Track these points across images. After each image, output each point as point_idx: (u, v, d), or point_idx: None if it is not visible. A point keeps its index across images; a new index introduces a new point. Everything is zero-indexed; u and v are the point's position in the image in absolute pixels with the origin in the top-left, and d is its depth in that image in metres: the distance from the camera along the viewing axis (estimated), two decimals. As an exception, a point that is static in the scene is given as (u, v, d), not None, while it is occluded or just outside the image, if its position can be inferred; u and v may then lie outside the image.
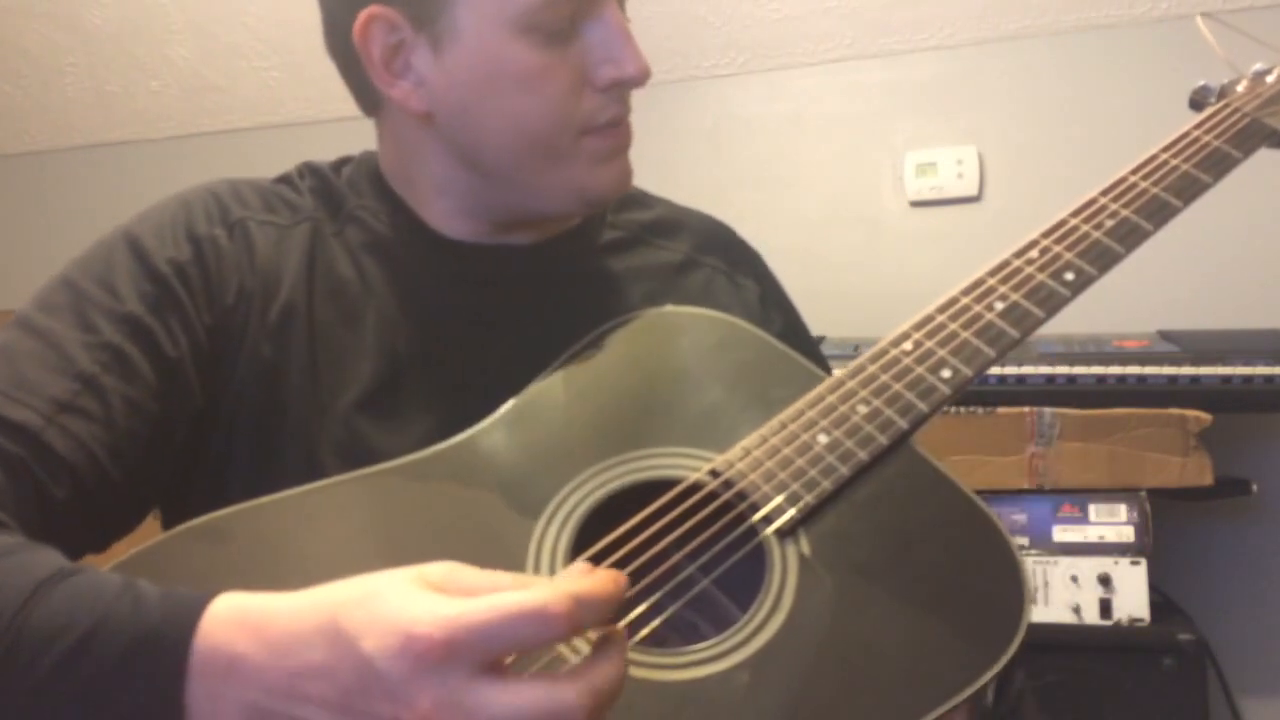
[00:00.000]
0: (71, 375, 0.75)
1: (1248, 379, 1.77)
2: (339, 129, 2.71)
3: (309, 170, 0.94)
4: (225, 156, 2.70)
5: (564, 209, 0.90)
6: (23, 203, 2.88)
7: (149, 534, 0.73)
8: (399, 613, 0.53)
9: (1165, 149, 0.88)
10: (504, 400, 0.82)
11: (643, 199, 1.01)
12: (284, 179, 0.93)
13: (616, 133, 0.87)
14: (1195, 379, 1.78)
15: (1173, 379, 1.77)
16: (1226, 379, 1.77)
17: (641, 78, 0.84)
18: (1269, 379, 1.76)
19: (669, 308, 0.90)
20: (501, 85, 0.83)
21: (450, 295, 0.89)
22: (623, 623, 0.67)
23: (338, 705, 0.53)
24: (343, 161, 0.95)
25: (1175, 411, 1.73)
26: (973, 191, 2.25)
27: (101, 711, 0.56)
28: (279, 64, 2.65)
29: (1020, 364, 1.66)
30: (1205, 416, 1.75)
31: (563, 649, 0.62)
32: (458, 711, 0.52)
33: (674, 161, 2.38)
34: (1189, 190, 0.84)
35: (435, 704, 0.52)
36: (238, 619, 0.57)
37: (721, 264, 0.98)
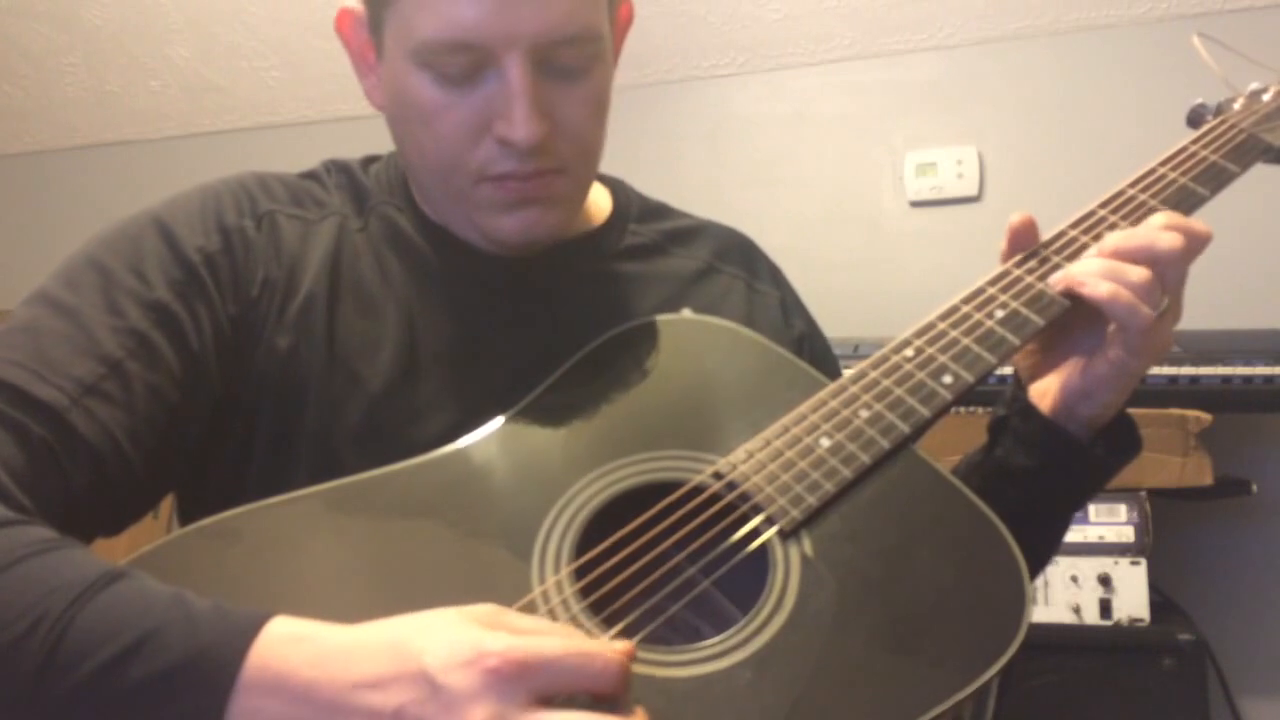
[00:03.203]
0: (97, 358, 0.75)
1: (1248, 379, 1.77)
2: (339, 129, 2.73)
3: (336, 167, 0.94)
4: (225, 156, 2.70)
5: (478, 243, 0.89)
6: (23, 203, 2.88)
7: (146, 530, 0.73)
8: (466, 635, 0.57)
9: (1163, 163, 0.89)
10: (520, 396, 0.82)
11: (665, 210, 1.02)
12: (311, 174, 0.93)
13: (516, 187, 0.83)
14: (1195, 379, 1.78)
15: (1173, 379, 1.78)
16: (1226, 379, 1.77)
17: (523, 145, 0.79)
18: (1269, 379, 1.77)
19: (673, 316, 0.90)
20: (406, 112, 0.84)
21: (469, 293, 0.89)
22: (621, 625, 0.67)
23: (391, 716, 0.55)
24: (371, 159, 0.96)
25: (1175, 411, 1.74)
26: (973, 191, 2.25)
27: (145, 717, 0.56)
28: (279, 64, 2.65)
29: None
30: (1205, 416, 1.75)
31: None
32: None
33: (674, 161, 2.38)
34: (1186, 203, 0.86)
35: (491, 718, 0.54)
36: (291, 639, 0.58)
37: (741, 272, 0.99)
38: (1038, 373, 0.86)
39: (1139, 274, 0.78)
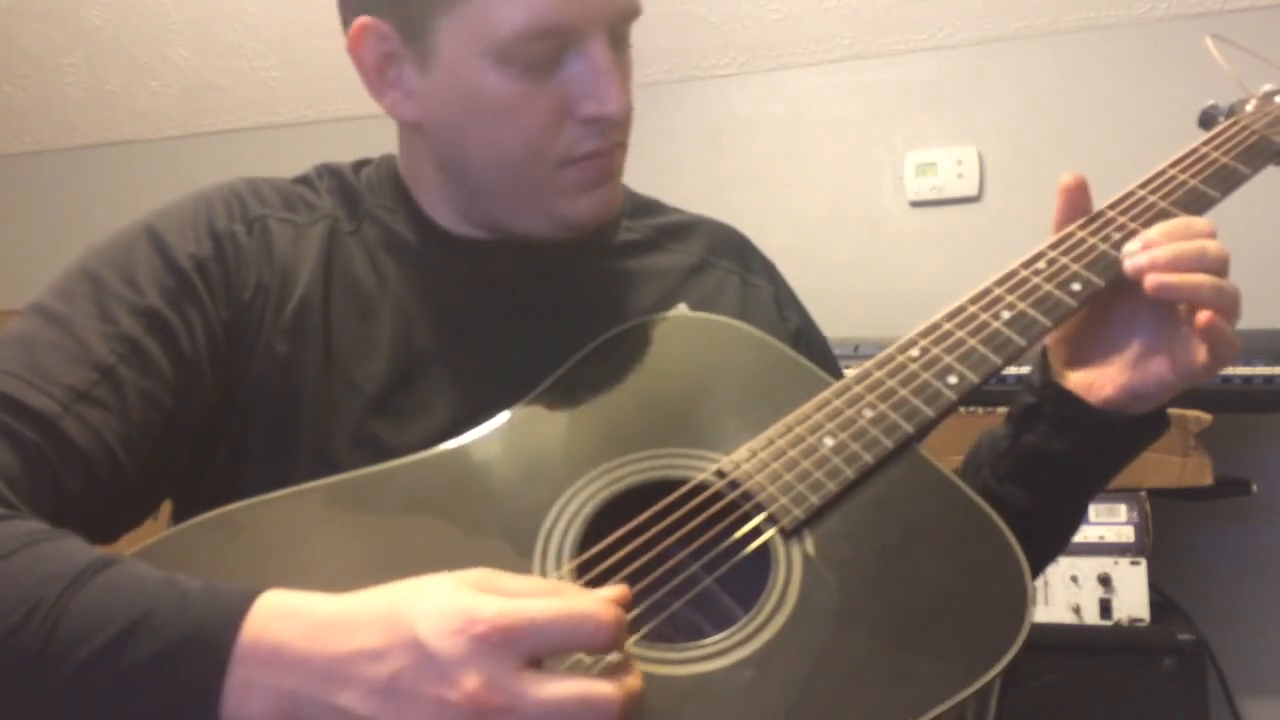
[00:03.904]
0: (90, 365, 0.75)
1: (1248, 379, 1.77)
2: (339, 129, 2.72)
3: (327, 171, 0.94)
4: (225, 156, 2.70)
5: (544, 233, 0.89)
6: (23, 203, 2.88)
7: (147, 532, 0.73)
8: (457, 600, 0.57)
9: (1173, 164, 0.89)
10: (518, 397, 0.82)
11: (657, 206, 1.02)
12: (302, 179, 0.93)
13: (597, 164, 0.85)
14: (1195, 379, 1.78)
15: (1173, 379, 1.77)
16: (1226, 379, 1.77)
17: (620, 116, 0.83)
18: (1269, 379, 1.77)
19: (675, 313, 0.90)
20: (478, 112, 0.83)
21: (464, 293, 0.89)
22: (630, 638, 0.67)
23: (383, 687, 0.55)
24: (362, 163, 0.96)
25: (1175, 411, 1.72)
26: (973, 191, 2.25)
27: (136, 702, 0.57)
28: (279, 64, 2.65)
29: (1023, 365, 1.66)
30: (1205, 416, 1.75)
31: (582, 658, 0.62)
32: (504, 694, 0.54)
33: (674, 161, 2.38)
34: (1196, 205, 0.85)
35: (482, 685, 0.54)
36: (285, 612, 0.59)
37: (735, 266, 0.99)
38: (1076, 362, 0.86)
39: (1235, 289, 0.79)
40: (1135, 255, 0.80)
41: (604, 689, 0.57)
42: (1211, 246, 0.80)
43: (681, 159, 2.39)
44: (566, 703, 0.55)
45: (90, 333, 0.77)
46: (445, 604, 0.57)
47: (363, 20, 0.84)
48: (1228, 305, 0.79)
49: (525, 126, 0.82)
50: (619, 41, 0.84)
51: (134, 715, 0.57)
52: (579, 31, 0.80)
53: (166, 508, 0.86)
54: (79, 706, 0.57)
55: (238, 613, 0.58)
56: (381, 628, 0.57)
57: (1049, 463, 0.86)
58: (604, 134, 0.84)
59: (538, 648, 0.56)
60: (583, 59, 0.81)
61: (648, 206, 1.01)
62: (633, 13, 0.84)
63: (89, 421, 0.73)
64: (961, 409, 1.61)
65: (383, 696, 0.55)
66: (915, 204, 2.29)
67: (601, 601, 0.58)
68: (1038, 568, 0.93)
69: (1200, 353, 0.80)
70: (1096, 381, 0.84)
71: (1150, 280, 0.78)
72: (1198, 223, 0.82)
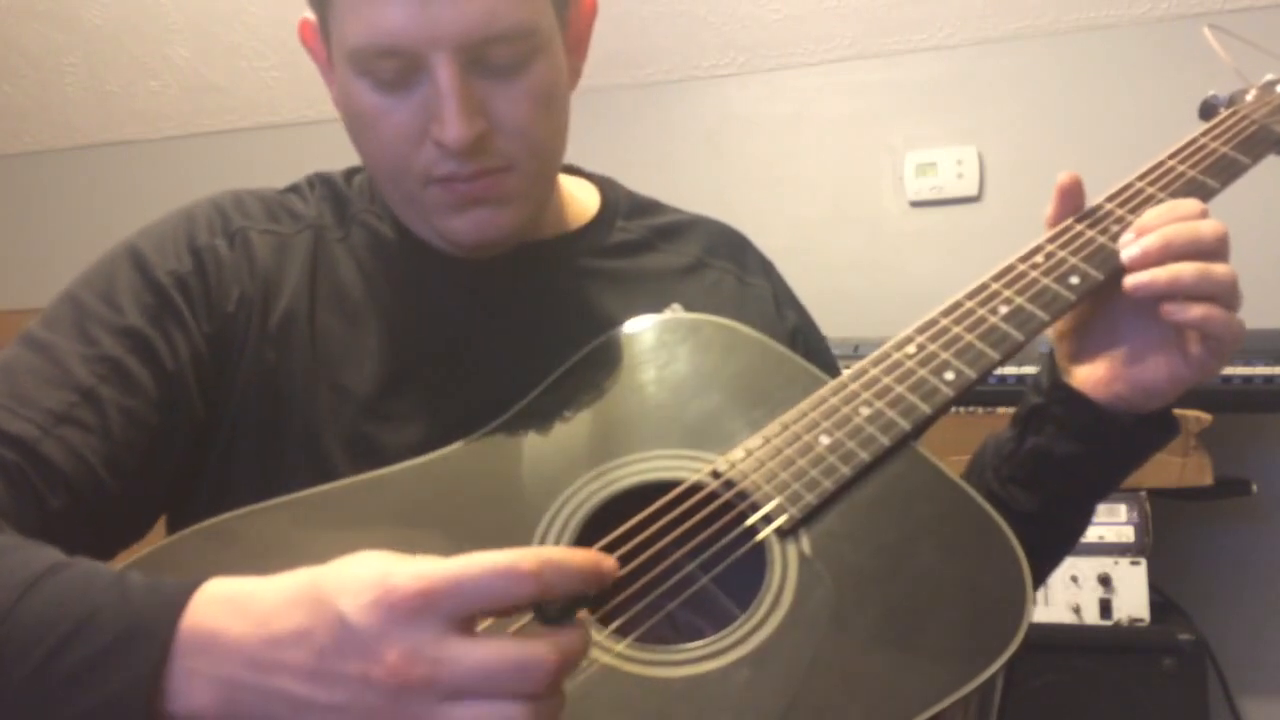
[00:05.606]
0: (69, 388, 0.76)
1: (1248, 379, 1.77)
2: (339, 129, 2.71)
3: (319, 179, 0.95)
4: (225, 156, 2.70)
5: (439, 244, 0.89)
6: (23, 203, 2.88)
7: (154, 538, 0.74)
8: (375, 570, 0.55)
9: (1172, 155, 0.88)
10: (510, 399, 0.82)
11: (655, 207, 1.01)
12: (293, 188, 0.94)
13: (462, 189, 0.82)
14: (1195, 379, 1.78)
15: (1173, 379, 1.77)
16: (1226, 379, 1.77)
17: (453, 147, 0.79)
18: (1269, 379, 1.77)
19: (668, 314, 0.90)
20: (352, 117, 0.84)
21: (453, 295, 0.89)
22: (618, 622, 0.67)
23: (312, 670, 0.54)
24: (355, 170, 0.96)
25: (1175, 411, 1.73)
26: (973, 191, 2.25)
27: (84, 698, 0.57)
28: (279, 64, 2.65)
29: (1021, 364, 1.66)
30: (1205, 416, 1.75)
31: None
32: (426, 664, 0.52)
33: (674, 161, 2.38)
34: (1196, 195, 0.84)
35: (403, 657, 0.52)
36: (223, 598, 0.58)
37: (732, 266, 0.99)
38: (1083, 357, 0.85)
39: (1224, 271, 0.77)
40: (1128, 245, 0.79)
41: (537, 649, 0.53)
42: (1204, 228, 0.78)
43: (681, 159, 2.39)
44: (495, 668, 0.52)
45: (70, 355, 0.77)
46: (363, 574, 0.55)
47: (304, 17, 0.87)
48: (1216, 291, 0.77)
49: (385, 139, 0.82)
50: (480, 65, 0.79)
51: (85, 712, 0.56)
52: (420, 55, 0.77)
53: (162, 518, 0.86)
54: (36, 709, 0.57)
55: (178, 604, 0.58)
56: (307, 607, 0.55)
57: (1055, 465, 0.85)
58: (460, 159, 0.80)
59: (457, 608, 0.53)
60: (430, 82, 0.79)
61: (644, 207, 1.00)
62: (490, 38, 0.77)
63: (69, 443, 0.74)
64: (961, 409, 1.61)
65: (312, 677, 0.54)
66: (915, 204, 2.29)
67: (522, 553, 0.54)
68: (1041, 574, 0.92)
69: (1196, 343, 0.79)
70: (1105, 376, 0.83)
71: (1127, 283, 0.77)
72: (1184, 205, 0.80)
